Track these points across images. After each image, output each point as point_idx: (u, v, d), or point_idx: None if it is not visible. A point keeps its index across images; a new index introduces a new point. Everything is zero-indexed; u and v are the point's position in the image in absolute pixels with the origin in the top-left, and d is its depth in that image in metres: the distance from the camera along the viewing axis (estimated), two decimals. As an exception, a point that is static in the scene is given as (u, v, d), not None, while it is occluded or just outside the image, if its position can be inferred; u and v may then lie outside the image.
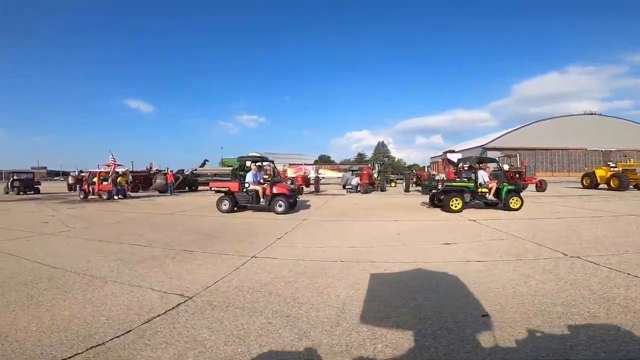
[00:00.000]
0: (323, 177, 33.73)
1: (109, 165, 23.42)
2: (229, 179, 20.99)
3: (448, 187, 10.79)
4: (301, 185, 21.22)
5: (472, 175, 11.14)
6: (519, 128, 51.17)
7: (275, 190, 10.72)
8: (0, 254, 5.26)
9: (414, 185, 23.16)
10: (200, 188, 24.51)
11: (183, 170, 23.13)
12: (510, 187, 10.90)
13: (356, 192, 21.85)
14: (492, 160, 12.73)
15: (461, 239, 6.57)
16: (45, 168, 76.67)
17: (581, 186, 23.84)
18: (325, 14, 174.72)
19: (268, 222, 9.19)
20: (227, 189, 11.20)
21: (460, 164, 12.86)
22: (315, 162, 79.08)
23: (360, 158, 71.82)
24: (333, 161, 79.22)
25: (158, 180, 21.61)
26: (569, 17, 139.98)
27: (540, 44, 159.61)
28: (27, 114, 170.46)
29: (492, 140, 50.98)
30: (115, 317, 3.02)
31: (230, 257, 5.32)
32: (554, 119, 51.55)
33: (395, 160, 76.94)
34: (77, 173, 21.69)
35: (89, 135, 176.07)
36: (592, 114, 51.04)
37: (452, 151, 27.77)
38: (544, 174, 40.15)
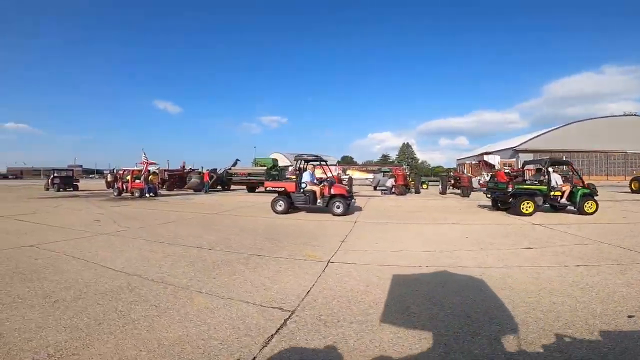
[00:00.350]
0: (350, 178, 33.09)
1: (143, 164, 23.90)
2: (264, 178, 21.09)
3: (519, 190, 10.13)
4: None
5: (544, 178, 10.45)
6: (553, 130, 48.82)
7: (333, 191, 10.30)
8: (66, 258, 4.94)
9: (450, 187, 22.18)
10: (232, 187, 24.45)
11: (215, 169, 23.08)
12: (585, 190, 10.14)
13: (390, 193, 21.14)
14: (566, 163, 11.92)
15: (539, 243, 6.23)
16: (81, 166, 79.35)
17: (629, 190, 22.30)
18: (346, 14, 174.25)
19: (319, 224, 8.76)
20: (282, 189, 10.82)
21: (526, 166, 12.13)
22: (338, 163, 78.89)
23: (385, 159, 70.66)
24: (356, 162, 78.31)
25: (193, 179, 21.58)
26: (604, 15, 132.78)
27: (572, 42, 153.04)
28: (64, 115, 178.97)
29: (524, 142, 48.92)
30: (227, 339, 2.56)
31: (305, 262, 4.94)
32: (590, 120, 48.86)
33: (419, 162, 75.32)
34: (114, 171, 21.95)
35: (121, 134, 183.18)
36: (632, 115, 48.10)
37: (488, 153, 26.72)
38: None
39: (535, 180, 10.67)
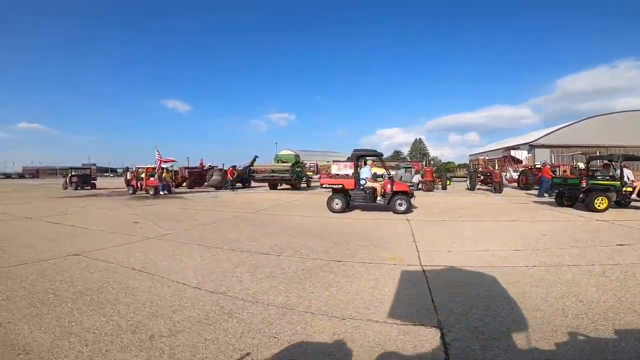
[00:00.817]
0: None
1: (162, 162, 23.22)
2: (289, 175, 20.34)
3: (593, 186, 9.51)
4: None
5: (615, 173, 9.94)
6: (570, 124, 47.27)
7: (395, 188, 9.65)
8: (125, 270, 4.16)
9: (479, 183, 21.21)
10: (253, 184, 23.71)
11: (235, 166, 22.29)
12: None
13: (417, 189, 20.24)
14: (637, 158, 11.05)
15: (629, 240, 5.80)
16: (95, 165, 79.04)
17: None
18: (354, 12, 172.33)
19: (371, 223, 8.16)
20: (340, 186, 10.09)
21: (592, 162, 11.42)
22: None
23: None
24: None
25: (214, 177, 20.81)
26: (618, 10, 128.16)
27: (586, 37, 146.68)
28: (76, 115, 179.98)
29: (540, 137, 47.49)
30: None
31: (392, 267, 4.36)
32: (609, 115, 47.26)
33: (430, 157, 74.03)
34: (134, 168, 21.26)
35: (132, 133, 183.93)
36: (652, 108, 46.40)
37: (514, 148, 25.69)
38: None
39: (607, 176, 9.91)
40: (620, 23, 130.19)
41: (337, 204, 9.72)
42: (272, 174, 19.85)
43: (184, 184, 22.83)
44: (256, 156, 24.24)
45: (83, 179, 25.35)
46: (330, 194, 10.09)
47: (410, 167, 24.68)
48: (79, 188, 24.15)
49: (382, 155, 10.77)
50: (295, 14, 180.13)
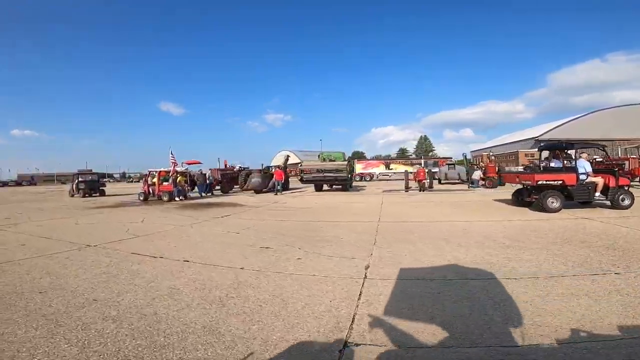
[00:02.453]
0: (394, 173, 30.03)
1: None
2: (345, 175, 17.72)
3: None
4: (423, 180, 17.36)
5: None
6: (576, 118, 46.68)
7: (620, 182, 8.51)
8: None
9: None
10: (291, 185, 20.90)
11: (279, 166, 19.46)
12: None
13: (477, 187, 18.05)
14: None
15: None
16: (91, 171, 73.75)
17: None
18: (345, 7, 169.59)
19: (574, 224, 5.84)
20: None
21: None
22: (349, 159, 75.51)
23: (402, 153, 67.73)
24: (366, 157, 75.46)
25: (254, 179, 17.74)
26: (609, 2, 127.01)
27: (578, 30, 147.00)
28: (70, 121, 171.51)
29: (546, 132, 46.66)
30: None
31: None
32: (616, 108, 46.80)
33: (430, 154, 72.51)
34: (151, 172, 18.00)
35: (128, 137, 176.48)
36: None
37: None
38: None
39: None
40: (611, 17, 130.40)
41: (552, 202, 8.15)
42: (324, 174, 17.17)
43: (217, 187, 19.79)
44: (288, 156, 21.51)
45: (91, 184, 22.14)
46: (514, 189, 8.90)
47: (454, 165, 22.62)
48: (87, 195, 21.13)
49: (571, 143, 9.41)
50: (291, 10, 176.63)
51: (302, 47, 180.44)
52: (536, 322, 2.44)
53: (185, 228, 7.34)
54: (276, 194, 16.50)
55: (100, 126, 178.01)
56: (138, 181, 70.16)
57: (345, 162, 17.68)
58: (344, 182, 17.59)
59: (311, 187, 18.15)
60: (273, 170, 18.51)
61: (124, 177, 72.86)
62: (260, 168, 19.54)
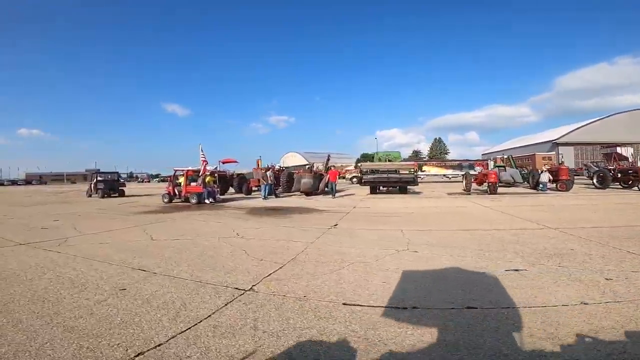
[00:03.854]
0: (426, 175, 27.79)
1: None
2: (412, 177, 15.43)
3: None
4: (496, 182, 15.15)
5: None
6: (596, 120, 45.17)
7: None
8: None
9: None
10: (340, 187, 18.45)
11: (334, 166, 17.03)
12: None
13: (545, 189, 15.91)
14: None
15: None
16: (99, 170, 70.95)
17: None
18: (350, 9, 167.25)
19: None
20: None
21: None
22: (357, 162, 72.83)
23: (415, 155, 65.66)
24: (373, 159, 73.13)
25: (305, 180, 15.24)
26: (616, 6, 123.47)
27: (585, 34, 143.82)
28: (78, 119, 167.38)
29: (565, 135, 45.06)
30: None
31: None
32: (630, 112, 45.47)
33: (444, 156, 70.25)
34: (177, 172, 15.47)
35: (133, 137, 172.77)
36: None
37: (617, 145, 21.95)
38: None
39: None
40: (619, 19, 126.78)
41: None
42: (387, 175, 14.83)
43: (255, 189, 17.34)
44: (329, 155, 19.11)
45: (110, 185, 19.66)
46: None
47: (504, 167, 20.41)
48: (106, 195, 18.87)
49: None
50: (294, 11, 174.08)
51: (304, 47, 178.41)
52: None
53: (325, 241, 4.92)
54: (333, 197, 14.07)
55: (104, 126, 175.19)
56: (148, 181, 67.52)
57: (412, 162, 15.40)
58: (409, 183, 15.30)
59: (361, 191, 15.84)
60: (296, 171, 16.06)
61: (131, 177, 69.66)
62: (309, 167, 16.98)
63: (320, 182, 15.80)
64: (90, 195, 19.31)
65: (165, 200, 14.02)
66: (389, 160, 16.51)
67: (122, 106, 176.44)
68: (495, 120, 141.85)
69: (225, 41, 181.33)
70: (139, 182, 63.82)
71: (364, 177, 14.88)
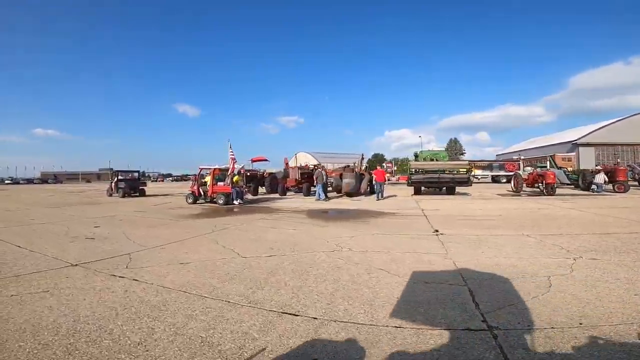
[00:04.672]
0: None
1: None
2: (466, 178, 14.04)
3: None
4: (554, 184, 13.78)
5: None
6: (618, 120, 43.36)
7: None
8: None
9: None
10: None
11: (382, 165, 15.64)
12: None
13: (601, 191, 14.54)
14: None
15: None
16: (111, 169, 70.67)
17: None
18: (360, 8, 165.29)
19: None
20: None
21: None
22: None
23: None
24: (385, 159, 72.33)
25: (347, 180, 13.87)
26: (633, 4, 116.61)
27: (600, 33, 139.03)
28: (92, 119, 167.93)
29: (585, 135, 43.37)
30: None
31: None
32: (652, 112, 43.69)
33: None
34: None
35: (145, 137, 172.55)
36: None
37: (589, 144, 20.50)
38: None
39: None
40: (634, 19, 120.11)
41: None
42: (439, 175, 13.46)
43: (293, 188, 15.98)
44: (363, 154, 17.79)
45: (131, 184, 18.49)
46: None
47: (545, 166, 19.02)
48: (127, 195, 17.77)
49: None
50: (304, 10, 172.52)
51: (315, 48, 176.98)
52: None
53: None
54: (378, 199, 12.68)
55: (116, 126, 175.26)
56: (162, 181, 66.26)
57: (466, 162, 14.04)
58: (463, 184, 13.92)
59: (402, 192, 14.45)
60: (313, 169, 14.60)
61: (143, 176, 68.68)
62: (350, 166, 15.56)
63: (361, 182, 14.43)
64: (110, 195, 18.25)
65: (189, 200, 12.83)
66: (436, 159, 15.09)
67: (135, 106, 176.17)
68: (507, 120, 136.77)
69: (232, 42, 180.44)
70: (152, 181, 62.73)
71: (413, 176, 13.50)
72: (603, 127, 44.05)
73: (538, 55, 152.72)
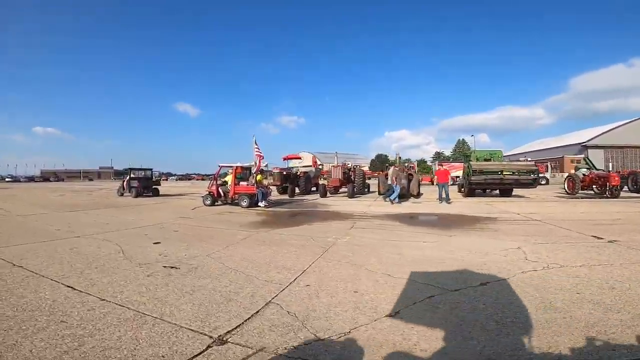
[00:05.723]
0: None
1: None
2: (532, 179, 12.34)
3: None
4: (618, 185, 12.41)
5: None
6: (628, 122, 42.86)
7: None
8: None
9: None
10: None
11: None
12: None
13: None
14: None
15: None
16: (112, 168, 68.23)
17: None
18: (359, 10, 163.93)
19: None
20: None
21: None
22: (372, 162, 70.05)
23: (437, 156, 62.93)
24: (389, 159, 71.07)
25: (403, 181, 12.09)
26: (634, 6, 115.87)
27: (601, 35, 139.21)
28: (93, 118, 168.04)
29: (594, 137, 42.71)
30: None
31: None
32: (660, 114, 43.28)
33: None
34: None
35: (145, 137, 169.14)
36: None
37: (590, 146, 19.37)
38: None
39: None
40: (636, 20, 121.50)
41: None
42: (501, 177, 11.97)
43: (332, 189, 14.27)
44: (398, 154, 16.28)
45: (145, 183, 16.59)
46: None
47: (588, 167, 17.69)
48: (139, 195, 15.80)
49: None
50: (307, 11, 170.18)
51: (316, 48, 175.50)
52: None
53: None
54: (441, 202, 11.06)
55: (117, 125, 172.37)
56: (166, 180, 63.38)
57: (532, 162, 12.61)
58: (529, 185, 12.50)
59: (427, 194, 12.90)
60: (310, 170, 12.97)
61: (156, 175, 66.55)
62: (400, 165, 13.95)
63: (410, 183, 12.85)
64: (122, 195, 16.31)
65: (208, 202, 11.28)
66: (486, 160, 13.60)
67: (135, 105, 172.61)
68: (508, 122, 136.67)
69: (232, 42, 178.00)
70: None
71: (473, 177, 11.98)
72: (611, 129, 43.44)
73: (538, 57, 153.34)
